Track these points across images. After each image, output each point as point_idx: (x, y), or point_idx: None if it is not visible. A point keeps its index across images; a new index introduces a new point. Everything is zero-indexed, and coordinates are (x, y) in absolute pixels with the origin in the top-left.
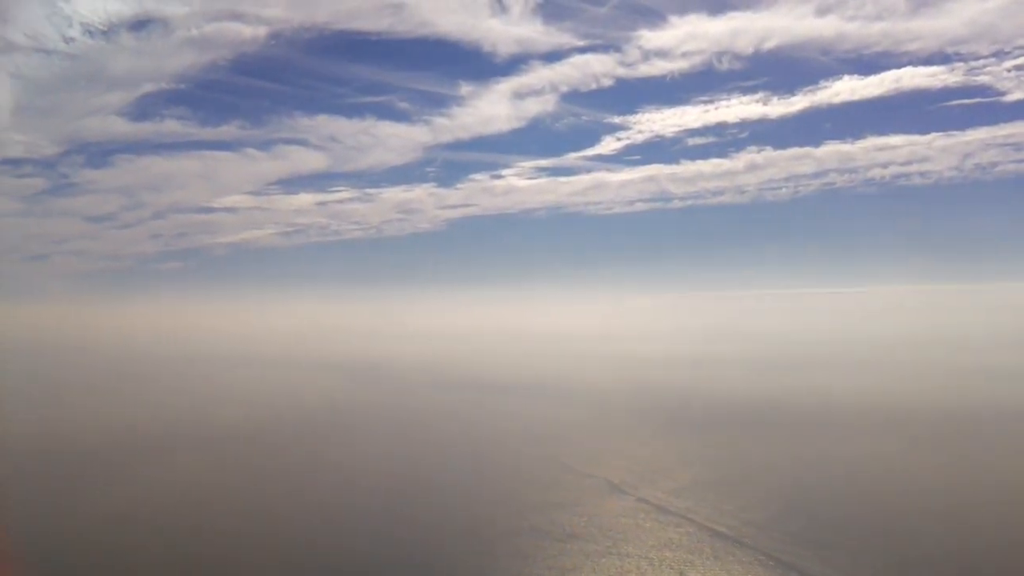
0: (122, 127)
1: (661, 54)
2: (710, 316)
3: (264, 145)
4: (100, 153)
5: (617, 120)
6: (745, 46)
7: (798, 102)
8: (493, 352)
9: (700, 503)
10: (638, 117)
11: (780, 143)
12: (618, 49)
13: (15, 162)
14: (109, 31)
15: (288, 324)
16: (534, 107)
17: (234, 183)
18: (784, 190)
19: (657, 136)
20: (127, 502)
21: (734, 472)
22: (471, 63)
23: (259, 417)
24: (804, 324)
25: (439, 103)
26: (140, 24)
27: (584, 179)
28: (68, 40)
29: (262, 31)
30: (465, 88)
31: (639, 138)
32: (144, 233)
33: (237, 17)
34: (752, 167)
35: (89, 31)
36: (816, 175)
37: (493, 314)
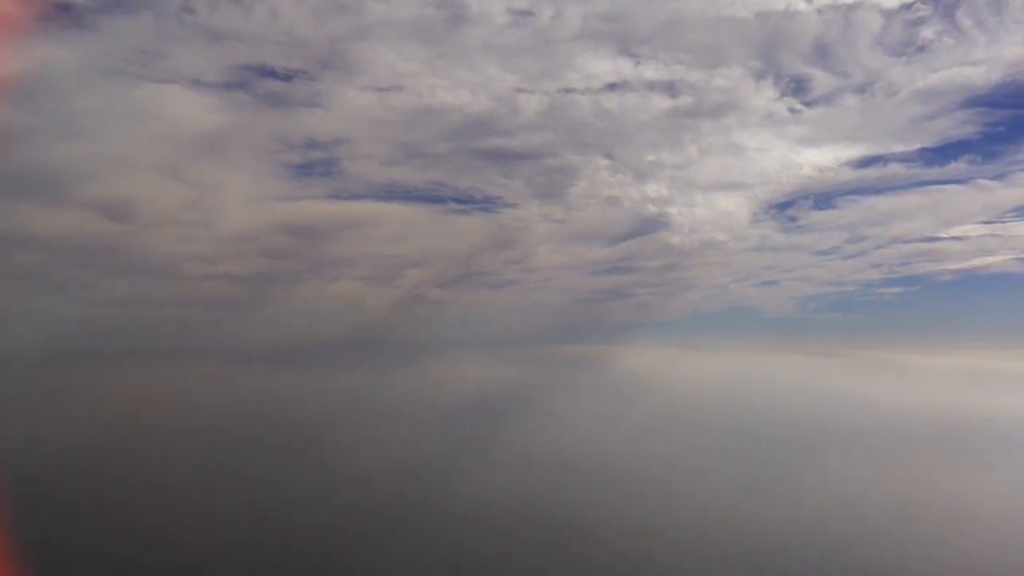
0: (847, 175)
1: None
2: None
3: (998, 176)
4: (825, 198)
5: None
6: None
7: None
8: None
9: None
10: None
11: None
12: None
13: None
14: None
15: None
16: None
17: (962, 214)
18: None
19: None
20: None
21: None
22: None
23: None
24: None
25: None
26: (864, 87)
27: None
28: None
29: (996, 73)
30: None
31: None
32: (866, 263)
33: (969, 63)
34: None
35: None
36: None
37: None
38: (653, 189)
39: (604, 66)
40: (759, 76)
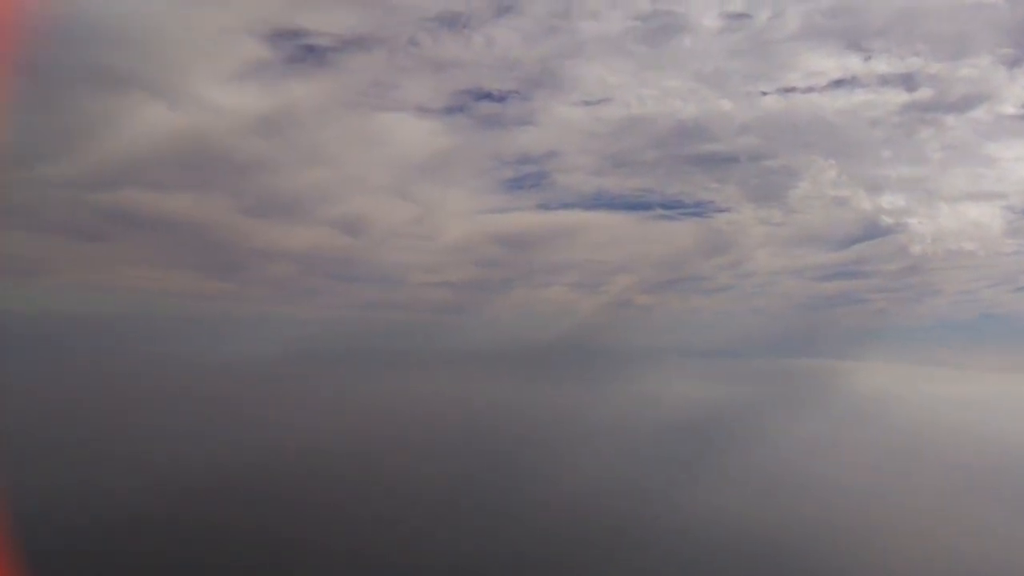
0: None
1: None
2: None
3: None
4: None
5: None
6: None
7: None
8: None
9: None
10: None
11: None
12: None
13: None
14: None
15: None
16: None
17: None
18: None
19: None
20: None
21: None
22: None
23: None
24: None
25: None
26: None
27: None
28: None
29: None
30: None
31: None
32: None
33: None
34: None
35: None
36: None
37: None
38: (889, 193)
39: (829, 63)
40: (1013, 63)
